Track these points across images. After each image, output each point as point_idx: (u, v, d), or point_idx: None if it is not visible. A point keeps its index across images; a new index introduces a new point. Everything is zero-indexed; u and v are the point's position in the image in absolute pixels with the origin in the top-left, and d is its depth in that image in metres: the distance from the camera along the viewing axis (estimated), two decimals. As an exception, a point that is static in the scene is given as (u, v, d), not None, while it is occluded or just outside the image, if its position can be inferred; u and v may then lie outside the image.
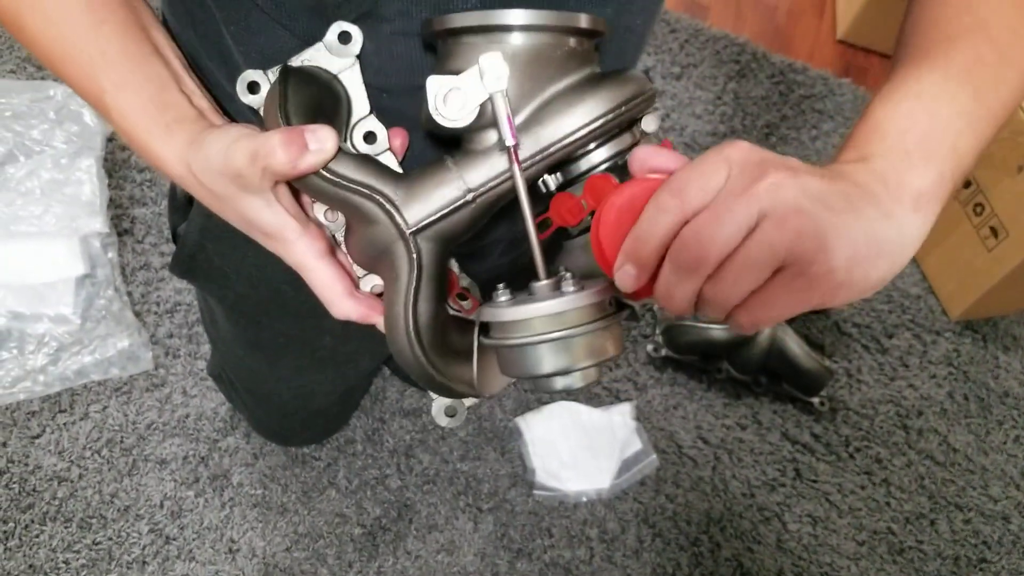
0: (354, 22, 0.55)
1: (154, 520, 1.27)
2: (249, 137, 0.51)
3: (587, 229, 0.53)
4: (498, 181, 0.52)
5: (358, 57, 0.56)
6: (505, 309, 0.50)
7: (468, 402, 0.62)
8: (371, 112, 0.58)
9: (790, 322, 1.51)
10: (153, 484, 1.30)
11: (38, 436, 1.30)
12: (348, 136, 0.57)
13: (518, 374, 0.51)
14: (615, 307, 0.52)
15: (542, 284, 0.51)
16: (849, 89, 1.99)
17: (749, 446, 1.50)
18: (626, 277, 0.48)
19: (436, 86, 0.50)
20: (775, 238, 0.44)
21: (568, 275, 0.51)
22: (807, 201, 0.44)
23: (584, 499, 1.40)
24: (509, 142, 0.50)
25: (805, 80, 1.98)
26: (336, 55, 0.56)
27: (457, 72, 0.50)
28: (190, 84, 0.59)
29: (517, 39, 0.51)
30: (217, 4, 0.58)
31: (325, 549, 1.30)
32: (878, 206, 0.46)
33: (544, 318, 0.49)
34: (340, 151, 0.52)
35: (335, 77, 0.56)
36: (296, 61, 0.56)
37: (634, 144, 0.55)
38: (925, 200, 0.48)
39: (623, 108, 0.52)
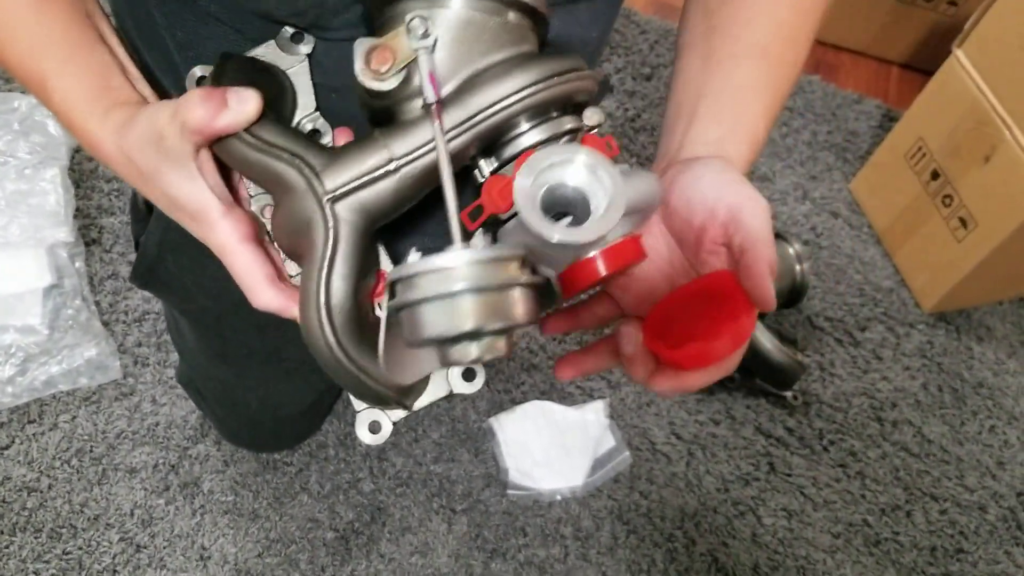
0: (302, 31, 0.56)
1: (124, 529, 1.27)
2: (174, 101, 0.50)
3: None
4: (424, 150, 0.50)
5: (309, 56, 0.56)
6: (400, 266, 0.45)
7: (394, 416, 0.58)
8: (317, 110, 0.57)
9: (761, 317, 1.51)
10: (123, 493, 1.29)
11: (7, 447, 1.29)
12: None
13: (413, 339, 0.45)
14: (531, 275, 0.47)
15: (455, 247, 0.46)
16: (819, 86, 2.00)
17: (723, 441, 1.50)
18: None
19: (362, 46, 0.49)
20: None
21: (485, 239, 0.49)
22: None
23: (558, 497, 1.40)
24: (431, 99, 0.48)
25: (775, 78, 1.99)
26: (287, 53, 0.55)
27: None
28: (134, 72, 0.58)
29: (455, 4, 0.50)
30: (162, 12, 0.59)
31: (297, 554, 1.29)
32: None
33: (435, 273, 0.43)
34: (266, 118, 0.51)
35: (283, 72, 0.56)
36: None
37: (574, 130, 0.53)
38: None
39: (556, 79, 0.50)
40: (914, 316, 1.72)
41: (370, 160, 0.50)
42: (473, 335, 0.43)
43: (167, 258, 0.83)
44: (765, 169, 1.86)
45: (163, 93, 0.62)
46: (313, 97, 0.57)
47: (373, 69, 0.49)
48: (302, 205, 0.50)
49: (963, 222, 1.61)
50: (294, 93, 0.56)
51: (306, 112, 0.57)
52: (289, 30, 0.55)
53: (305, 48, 0.56)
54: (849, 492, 1.49)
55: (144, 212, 0.83)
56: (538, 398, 1.48)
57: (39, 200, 1.35)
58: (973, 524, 1.50)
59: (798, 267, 1.53)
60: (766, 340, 1.45)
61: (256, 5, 0.55)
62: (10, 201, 1.34)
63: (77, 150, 1.50)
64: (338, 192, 0.49)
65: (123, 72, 0.57)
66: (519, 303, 0.44)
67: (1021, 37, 1.44)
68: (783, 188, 1.84)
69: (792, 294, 1.54)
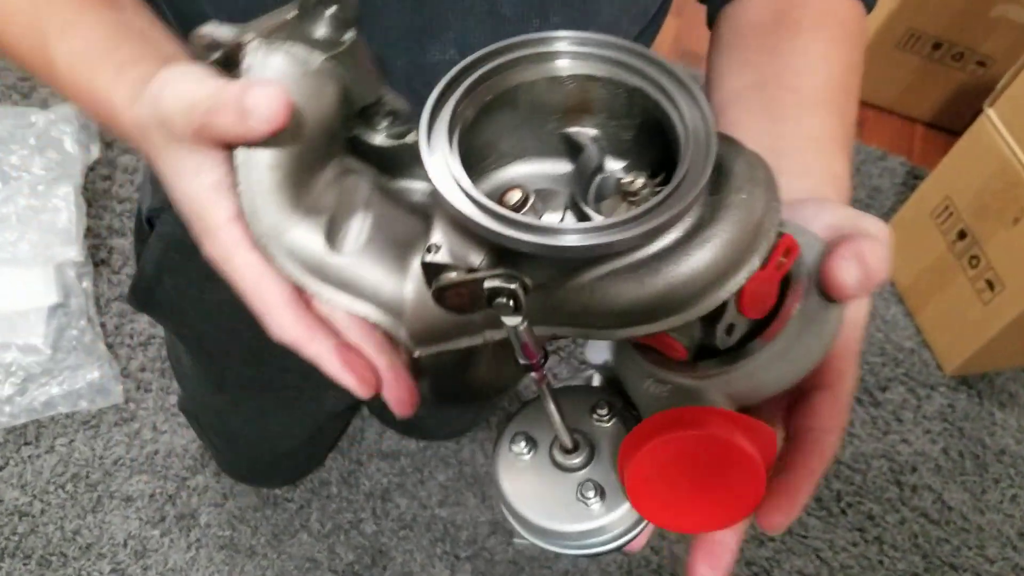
0: None
1: (117, 559, 1.22)
2: (197, 79, 0.37)
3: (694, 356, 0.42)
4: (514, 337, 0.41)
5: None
6: (514, 505, 0.45)
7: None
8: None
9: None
10: (118, 522, 1.25)
11: (0, 469, 1.25)
12: (373, 127, 0.43)
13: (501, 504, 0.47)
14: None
15: (567, 461, 0.45)
16: (843, 140, 1.98)
17: (737, 498, 1.46)
18: None
19: (440, 282, 0.38)
20: None
21: (590, 481, 0.44)
22: None
23: (566, 549, 1.35)
24: (526, 362, 0.40)
25: (799, 130, 1.98)
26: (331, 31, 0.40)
27: None
28: (153, 31, 0.48)
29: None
30: None
31: (294, 595, 1.25)
32: None
33: (542, 534, 0.45)
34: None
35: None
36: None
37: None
38: None
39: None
40: (935, 378, 1.68)
41: (464, 341, 0.41)
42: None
43: (164, 279, 0.80)
44: (787, 221, 1.84)
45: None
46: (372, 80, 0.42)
47: (450, 305, 0.39)
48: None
49: (990, 284, 1.57)
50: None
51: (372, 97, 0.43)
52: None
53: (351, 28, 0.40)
54: (866, 557, 1.44)
55: (148, 230, 0.79)
56: (549, 444, 1.44)
57: (50, 217, 1.33)
58: (993, 597, 1.45)
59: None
60: (786, 395, 1.42)
61: None
62: (22, 217, 1.31)
63: (91, 168, 1.48)
64: (422, 354, 0.42)
65: (131, 31, 0.47)
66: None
67: (1056, 99, 1.43)
68: (805, 241, 1.82)
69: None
